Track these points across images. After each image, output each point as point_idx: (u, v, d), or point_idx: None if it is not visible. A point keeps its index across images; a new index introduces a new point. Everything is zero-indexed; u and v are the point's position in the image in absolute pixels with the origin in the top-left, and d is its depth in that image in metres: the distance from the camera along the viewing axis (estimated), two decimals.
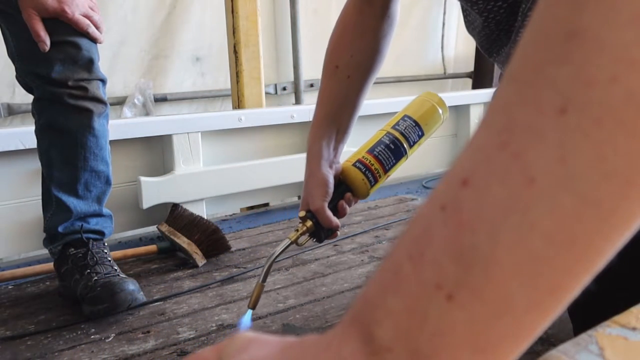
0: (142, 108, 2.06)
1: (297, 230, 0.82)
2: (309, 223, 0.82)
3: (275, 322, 0.93)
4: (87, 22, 0.95)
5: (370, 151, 0.86)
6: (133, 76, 2.08)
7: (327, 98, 0.85)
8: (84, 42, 0.96)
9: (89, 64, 0.98)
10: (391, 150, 0.86)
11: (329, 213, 0.81)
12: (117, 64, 2.03)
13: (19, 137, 1.24)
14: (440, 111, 0.90)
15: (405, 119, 0.89)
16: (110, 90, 2.08)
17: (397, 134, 0.87)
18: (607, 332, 0.31)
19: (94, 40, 0.98)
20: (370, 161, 0.85)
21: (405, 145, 0.88)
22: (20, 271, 1.16)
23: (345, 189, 0.85)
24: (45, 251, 1.14)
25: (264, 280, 0.81)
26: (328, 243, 1.35)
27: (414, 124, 0.88)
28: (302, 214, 0.82)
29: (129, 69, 2.06)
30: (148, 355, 0.84)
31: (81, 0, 0.94)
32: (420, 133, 0.89)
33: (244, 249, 1.34)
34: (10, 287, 1.14)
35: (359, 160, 0.85)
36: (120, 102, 2.04)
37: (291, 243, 0.82)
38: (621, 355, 0.29)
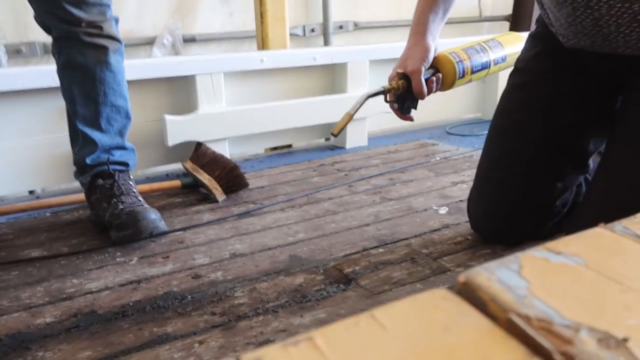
0: (171, 48, 2.09)
1: (391, 85, 0.93)
2: (402, 82, 0.92)
3: (284, 253, 1.00)
4: None
5: (464, 50, 0.99)
6: (162, 16, 2.10)
7: None
8: None
9: (101, 7, 1.01)
10: (479, 57, 1.00)
11: (422, 78, 0.92)
12: (146, 4, 2.05)
13: (51, 75, 1.30)
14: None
15: (496, 42, 1.04)
16: (140, 30, 2.12)
17: (487, 48, 1.02)
18: (533, 255, 0.35)
19: None
20: (462, 56, 0.97)
21: (491, 59, 1.01)
22: (57, 200, 1.26)
23: (436, 72, 0.96)
24: None
25: (353, 111, 0.92)
26: (343, 184, 1.39)
27: (501, 47, 1.03)
28: (400, 70, 0.93)
29: (158, 9, 2.09)
30: (166, 277, 0.92)
31: None
32: (503, 57, 1.03)
33: (262, 187, 1.40)
34: (48, 214, 1.25)
35: (453, 52, 0.98)
36: (149, 42, 2.08)
37: (383, 92, 0.94)
38: (536, 273, 0.32)
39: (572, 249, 0.35)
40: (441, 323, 0.28)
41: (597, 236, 0.37)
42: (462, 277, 0.32)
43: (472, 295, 0.31)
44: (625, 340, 0.26)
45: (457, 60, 0.95)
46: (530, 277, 0.32)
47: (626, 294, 0.30)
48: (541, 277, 0.32)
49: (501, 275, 0.32)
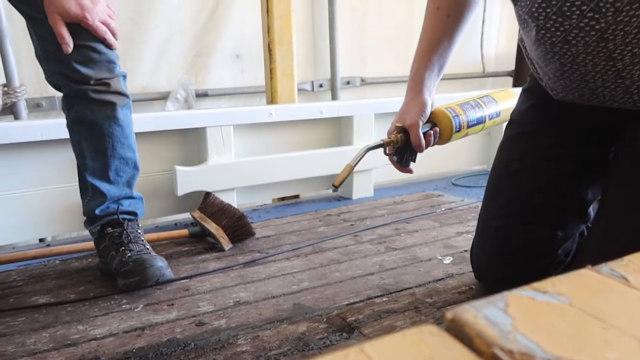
0: (184, 103, 2.18)
1: (390, 138, 0.95)
2: (401, 136, 0.94)
3: (288, 302, 1.00)
4: (105, 29, 1.02)
5: (460, 106, 1.02)
6: (177, 72, 2.20)
7: (430, 35, 0.98)
8: (102, 47, 1.03)
9: (108, 64, 1.05)
10: (474, 112, 1.02)
11: (420, 132, 0.94)
12: (162, 61, 2.15)
13: (65, 128, 1.36)
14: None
15: (490, 98, 1.07)
16: (155, 86, 2.22)
17: (482, 104, 1.04)
18: (520, 293, 0.36)
19: (109, 47, 1.05)
20: (458, 111, 1.00)
21: (486, 115, 1.04)
22: (66, 248, 1.28)
23: (434, 126, 0.98)
24: None
25: (354, 163, 0.93)
26: (349, 233, 1.41)
27: (495, 103, 1.06)
28: (399, 124, 0.95)
29: (173, 65, 2.19)
30: (170, 324, 0.93)
31: (101, 8, 1.01)
32: (498, 112, 1.06)
33: (269, 236, 1.42)
34: (57, 261, 1.27)
35: (450, 107, 1.00)
36: (164, 96, 2.16)
37: (382, 145, 0.95)
38: (521, 310, 0.33)
39: (558, 288, 0.36)
40: (427, 356, 0.29)
41: (583, 277, 0.39)
42: (450, 314, 0.33)
43: (459, 331, 0.32)
44: None
45: (454, 115, 0.98)
46: (516, 314, 0.33)
47: (608, 330, 0.31)
48: (526, 314, 0.33)
49: (487, 312, 0.33)
